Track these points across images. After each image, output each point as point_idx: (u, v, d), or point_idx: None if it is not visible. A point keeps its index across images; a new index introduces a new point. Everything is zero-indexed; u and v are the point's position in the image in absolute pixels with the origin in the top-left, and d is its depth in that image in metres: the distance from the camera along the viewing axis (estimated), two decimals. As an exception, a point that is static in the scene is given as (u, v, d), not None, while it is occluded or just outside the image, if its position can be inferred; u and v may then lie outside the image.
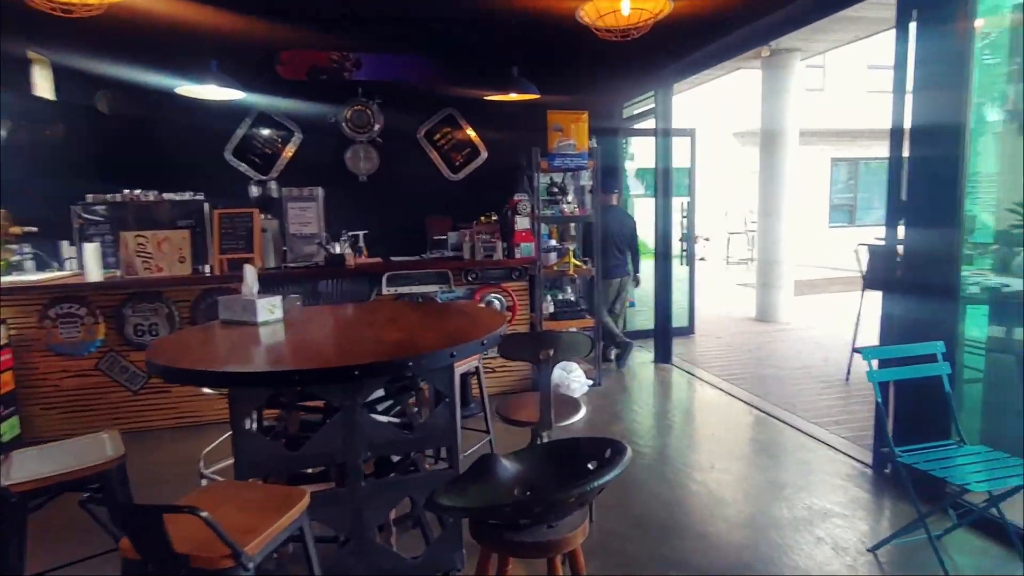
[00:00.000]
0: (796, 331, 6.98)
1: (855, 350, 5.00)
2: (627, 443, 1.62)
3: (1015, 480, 2.20)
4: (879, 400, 2.51)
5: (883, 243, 5.08)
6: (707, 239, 15.75)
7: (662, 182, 5.58)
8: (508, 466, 1.68)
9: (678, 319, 6.79)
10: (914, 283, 3.07)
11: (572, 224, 5.49)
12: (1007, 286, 3.22)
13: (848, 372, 5.05)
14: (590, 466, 1.65)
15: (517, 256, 4.62)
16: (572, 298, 5.05)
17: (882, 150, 16.27)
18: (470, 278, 4.58)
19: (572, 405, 2.60)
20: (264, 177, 5.29)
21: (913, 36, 3.00)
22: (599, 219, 4.83)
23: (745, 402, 4.54)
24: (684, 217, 6.77)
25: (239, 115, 5.42)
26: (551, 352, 2.28)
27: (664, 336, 5.81)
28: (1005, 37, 3.15)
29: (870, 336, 5.16)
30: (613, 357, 5.53)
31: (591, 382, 4.85)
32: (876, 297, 4.77)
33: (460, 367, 2.90)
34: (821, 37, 7.06)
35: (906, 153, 3.07)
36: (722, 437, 3.90)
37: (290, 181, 4.87)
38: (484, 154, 6.03)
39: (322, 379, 1.83)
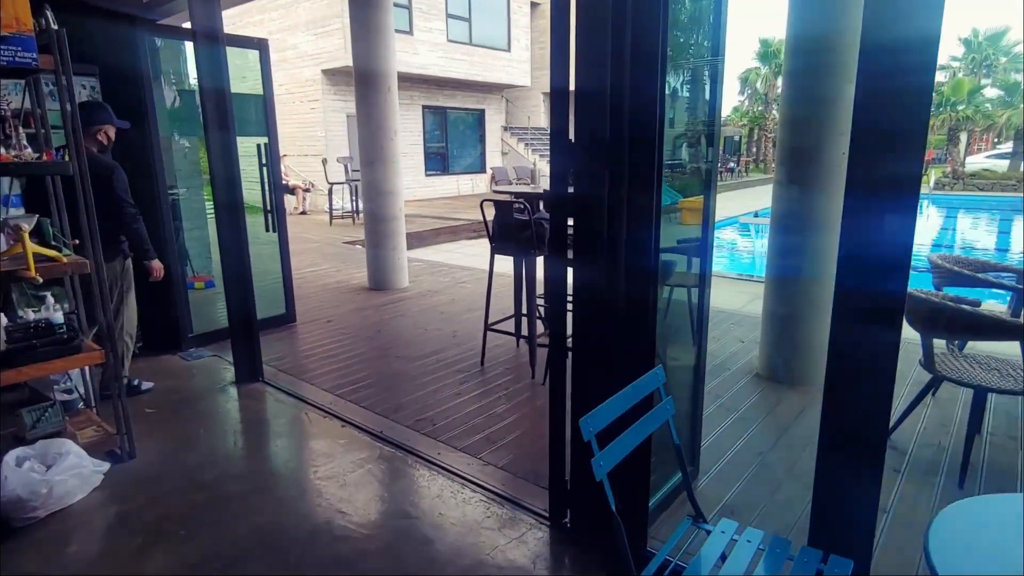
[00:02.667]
0: (416, 299, 6.00)
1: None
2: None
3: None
4: (612, 505, 1.38)
5: (511, 199, 4.33)
6: (308, 189, 13.94)
7: (214, 111, 3.58)
8: None
9: (270, 306, 5.02)
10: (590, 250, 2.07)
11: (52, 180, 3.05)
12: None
13: (483, 355, 4.20)
14: None
15: None
16: (55, 316, 2.76)
17: (465, 101, 16.75)
18: None
19: None
20: None
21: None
22: (82, 168, 2.62)
23: (373, 434, 3.16)
24: (264, 165, 4.82)
25: None
26: None
27: (247, 337, 3.96)
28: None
29: (504, 303, 4.44)
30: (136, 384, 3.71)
31: (107, 464, 2.74)
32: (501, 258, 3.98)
33: None
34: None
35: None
36: (349, 541, 2.43)
37: None
38: None
39: None
